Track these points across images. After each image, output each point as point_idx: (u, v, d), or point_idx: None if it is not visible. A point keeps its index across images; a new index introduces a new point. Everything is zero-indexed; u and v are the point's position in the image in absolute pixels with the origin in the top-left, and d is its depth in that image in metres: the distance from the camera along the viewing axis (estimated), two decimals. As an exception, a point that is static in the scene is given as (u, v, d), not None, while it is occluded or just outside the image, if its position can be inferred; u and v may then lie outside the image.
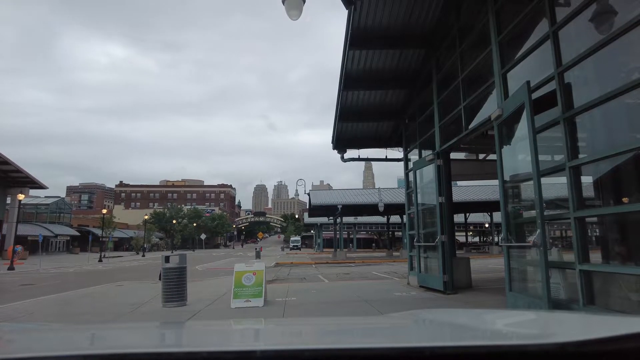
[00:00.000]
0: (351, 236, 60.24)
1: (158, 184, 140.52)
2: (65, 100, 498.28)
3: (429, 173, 9.09)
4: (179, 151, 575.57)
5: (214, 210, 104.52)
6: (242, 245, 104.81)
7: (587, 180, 4.91)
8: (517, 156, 5.48)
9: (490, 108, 6.60)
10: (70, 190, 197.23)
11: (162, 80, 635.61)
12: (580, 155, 4.68)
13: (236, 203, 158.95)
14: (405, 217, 15.63)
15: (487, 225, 49.69)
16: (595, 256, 4.77)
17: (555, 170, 5.04)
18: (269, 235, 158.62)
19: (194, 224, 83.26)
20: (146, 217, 59.01)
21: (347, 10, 7.26)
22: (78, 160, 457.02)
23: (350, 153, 12.78)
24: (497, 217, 31.59)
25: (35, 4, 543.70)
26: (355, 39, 8.10)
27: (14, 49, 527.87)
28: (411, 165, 10.93)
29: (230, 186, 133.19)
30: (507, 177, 5.69)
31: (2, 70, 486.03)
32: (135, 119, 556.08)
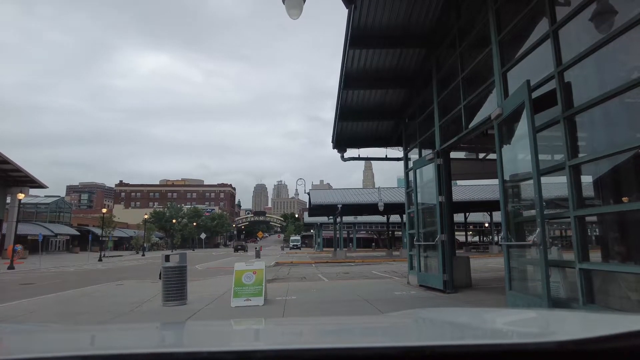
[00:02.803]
0: (351, 235, 60.27)
1: (158, 183, 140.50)
2: (100, 104, 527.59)
3: (429, 172, 9.09)
4: (208, 151, 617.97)
5: (213, 209, 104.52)
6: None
7: (587, 179, 4.91)
8: (517, 155, 5.48)
9: (490, 107, 6.60)
10: (70, 189, 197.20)
11: (203, 89, 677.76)
12: (580, 155, 4.68)
13: (236, 202, 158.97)
14: (405, 217, 15.63)
15: (486, 225, 49.70)
16: (595, 255, 4.77)
17: (555, 170, 5.04)
18: (269, 235, 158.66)
19: (194, 224, 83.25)
20: (146, 216, 58.97)
21: (347, 10, 7.25)
22: (100, 160, 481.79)
23: (351, 152, 12.79)
24: (497, 216, 31.60)
25: (102, 14, 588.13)
26: (356, 38, 8.09)
27: (69, 54, 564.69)
28: (411, 165, 10.93)
29: (230, 185, 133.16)
30: (507, 177, 5.69)
31: (49, 72, 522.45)
32: (168, 123, 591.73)
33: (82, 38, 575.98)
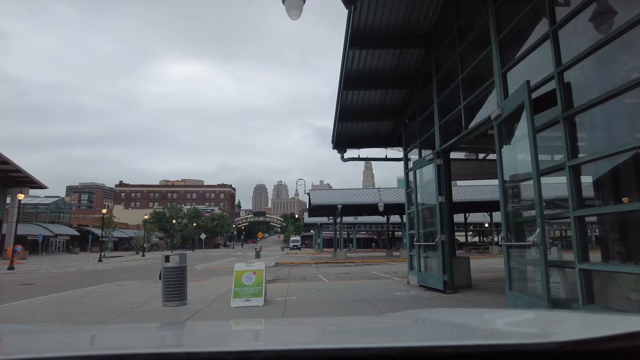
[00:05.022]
0: (351, 236, 60.24)
1: (158, 183, 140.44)
2: (130, 107, 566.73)
3: (428, 172, 9.09)
4: (224, 151, 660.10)
5: (213, 210, 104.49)
6: (242, 245, 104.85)
7: (586, 180, 4.91)
8: (517, 156, 5.48)
9: (490, 107, 6.60)
10: (70, 190, 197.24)
11: (234, 95, 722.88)
12: (580, 155, 4.68)
13: (236, 203, 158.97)
14: (405, 217, 15.63)
15: (486, 225, 49.69)
16: (595, 255, 4.77)
17: (555, 170, 5.04)
18: (269, 235, 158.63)
19: (194, 224, 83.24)
20: (146, 217, 58.96)
21: (347, 10, 7.25)
22: (116, 160, 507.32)
23: (350, 153, 12.80)
24: (497, 217, 31.58)
25: (149, 26, 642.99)
26: (355, 39, 8.09)
27: (109, 60, 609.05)
28: (411, 165, 10.92)
29: (230, 186, 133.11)
30: (507, 177, 5.69)
31: (86, 75, 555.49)
32: (191, 125, 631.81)
33: (126, 45, 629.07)
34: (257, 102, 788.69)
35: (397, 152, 12.37)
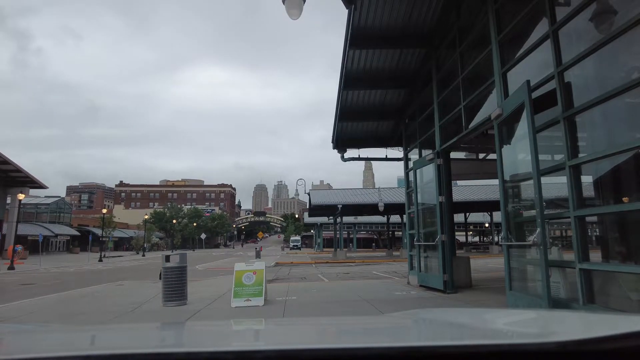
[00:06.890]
0: (351, 236, 60.23)
1: (158, 183, 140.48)
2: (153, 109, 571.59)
3: (429, 172, 9.08)
4: (237, 151, 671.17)
5: (214, 210, 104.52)
6: (242, 245, 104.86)
7: (587, 179, 4.91)
8: (517, 155, 5.48)
9: (490, 107, 6.60)
10: (70, 190, 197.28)
11: (257, 98, 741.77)
12: (580, 155, 4.68)
13: (236, 203, 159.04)
14: (405, 217, 15.63)
15: (487, 225, 49.69)
16: (595, 255, 4.77)
17: (555, 170, 5.03)
18: (269, 235, 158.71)
19: (194, 224, 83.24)
20: (146, 216, 58.98)
21: (347, 10, 7.25)
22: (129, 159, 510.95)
23: (351, 153, 12.80)
24: (497, 216, 31.58)
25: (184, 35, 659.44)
26: (356, 39, 8.09)
27: (140, 66, 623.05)
28: (411, 165, 10.92)
29: (230, 186, 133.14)
30: (507, 177, 5.69)
31: (112, 77, 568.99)
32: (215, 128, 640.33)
33: (160, 51, 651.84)
34: (280, 105, 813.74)
35: (397, 152, 12.37)
